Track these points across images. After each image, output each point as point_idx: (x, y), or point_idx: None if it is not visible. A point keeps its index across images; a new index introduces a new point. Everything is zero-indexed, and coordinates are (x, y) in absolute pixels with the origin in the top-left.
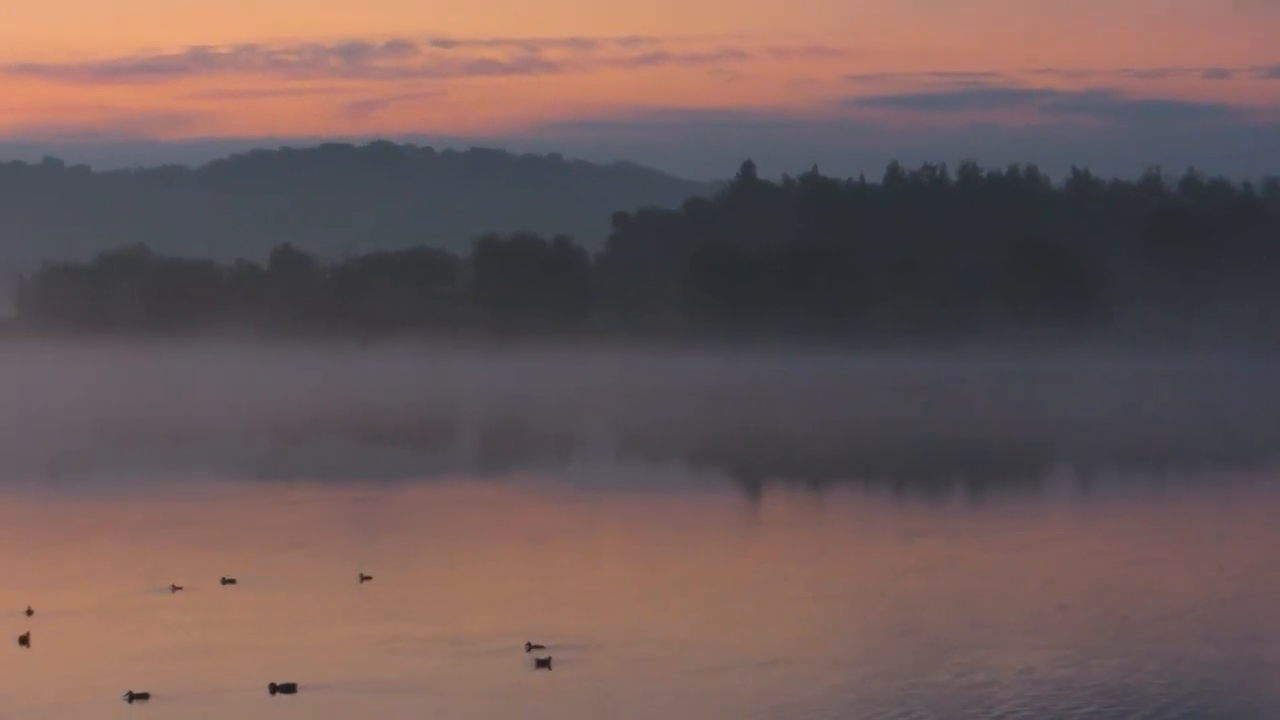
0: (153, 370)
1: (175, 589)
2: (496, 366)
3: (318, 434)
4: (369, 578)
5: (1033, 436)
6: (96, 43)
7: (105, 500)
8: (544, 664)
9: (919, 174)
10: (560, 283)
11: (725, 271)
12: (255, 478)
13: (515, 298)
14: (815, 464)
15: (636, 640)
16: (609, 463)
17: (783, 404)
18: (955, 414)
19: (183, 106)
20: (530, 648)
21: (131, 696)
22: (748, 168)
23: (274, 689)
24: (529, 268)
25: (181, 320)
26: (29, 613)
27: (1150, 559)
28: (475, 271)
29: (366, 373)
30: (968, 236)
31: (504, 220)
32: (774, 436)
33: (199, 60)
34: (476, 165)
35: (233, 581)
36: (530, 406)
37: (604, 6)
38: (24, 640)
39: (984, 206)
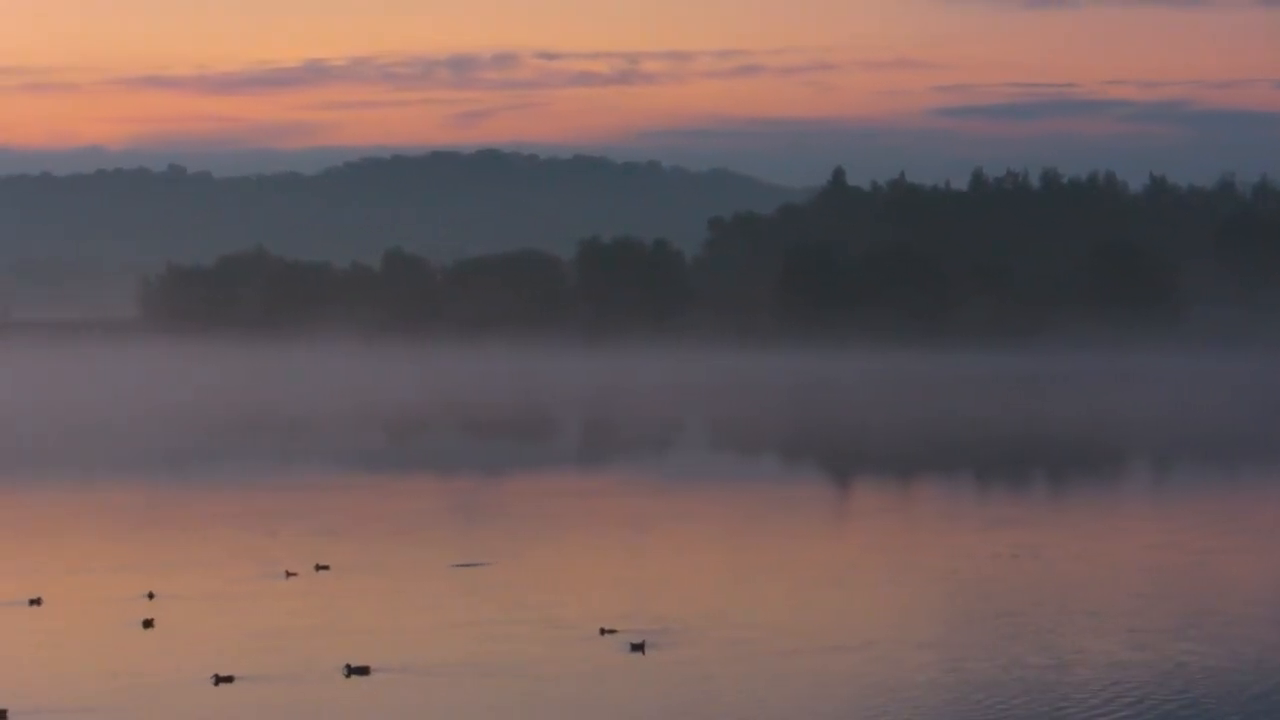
0: (270, 367)
1: (289, 575)
2: (596, 364)
3: (426, 428)
4: (471, 564)
5: (1110, 431)
6: (217, 56)
7: (224, 491)
8: (638, 648)
9: (1002, 180)
10: (658, 284)
11: (816, 274)
12: (366, 469)
13: (615, 298)
14: (902, 456)
15: (729, 625)
16: (703, 455)
17: (870, 400)
18: (1036, 409)
19: (299, 116)
20: (604, 632)
21: (218, 679)
22: (838, 174)
23: (349, 671)
24: (628, 270)
25: (298, 320)
26: (150, 596)
27: (1226, 547)
28: (577, 273)
29: (473, 370)
30: (1049, 240)
31: (605, 225)
32: (862, 430)
33: (315, 72)
34: (579, 172)
35: (326, 568)
36: (628, 402)
37: (701, 21)
38: (148, 624)
39: (1065, 211)
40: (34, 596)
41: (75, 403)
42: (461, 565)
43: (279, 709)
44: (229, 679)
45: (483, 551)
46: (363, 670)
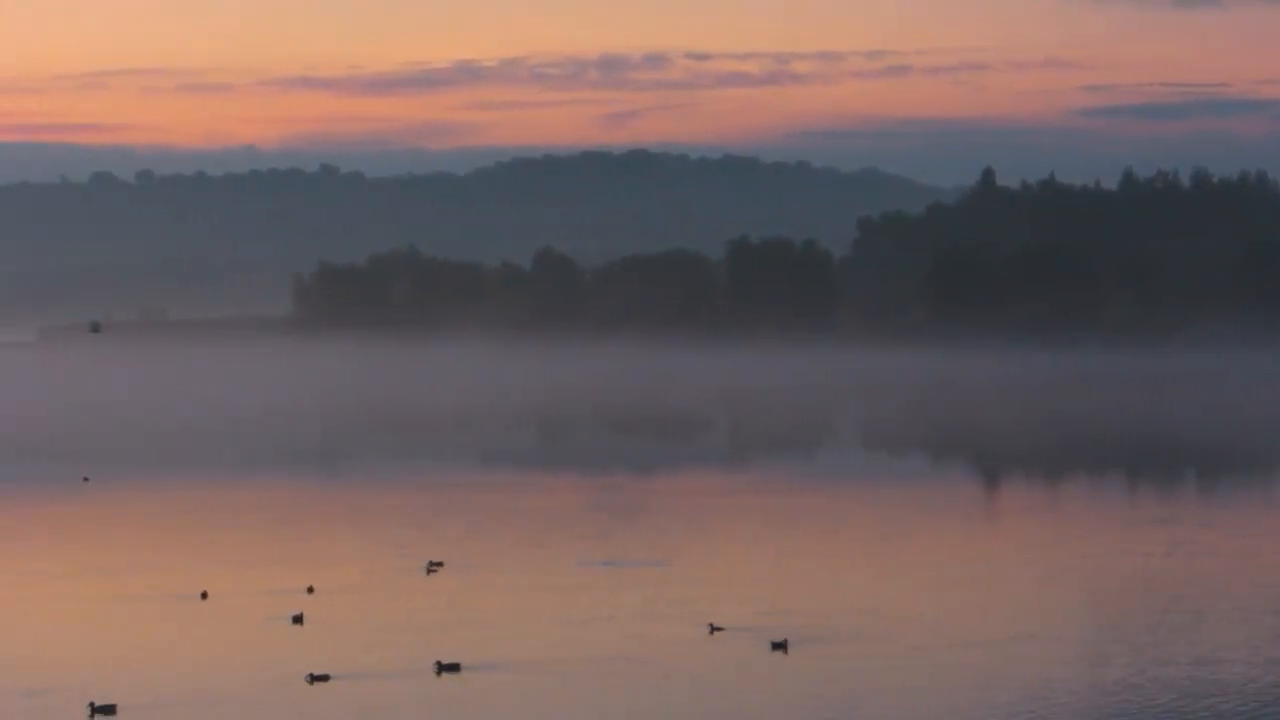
0: (420, 365)
1: (433, 568)
2: (743, 363)
3: (573, 426)
4: (611, 563)
5: (1257, 431)
6: (370, 57)
7: (378, 487)
8: (780, 646)
9: (1152, 180)
10: (806, 284)
11: (964, 273)
12: (513, 467)
13: (763, 298)
14: (1047, 455)
15: (873, 623)
16: (848, 454)
17: (1014, 399)
18: (1183, 408)
19: (450, 117)
20: (713, 630)
21: (313, 678)
22: (987, 174)
23: (440, 668)
24: (778, 269)
25: (448, 318)
26: (310, 590)
27: None
28: (726, 273)
29: (620, 368)
30: (1199, 240)
31: (755, 224)
32: (1006, 429)
33: (466, 73)
34: (729, 172)
35: (440, 564)
36: (774, 401)
37: (851, 21)
38: (298, 619)
39: (1215, 211)
40: (202, 590)
41: (231, 400)
42: (603, 563)
43: (366, 707)
44: (324, 678)
45: (623, 550)
46: (453, 667)
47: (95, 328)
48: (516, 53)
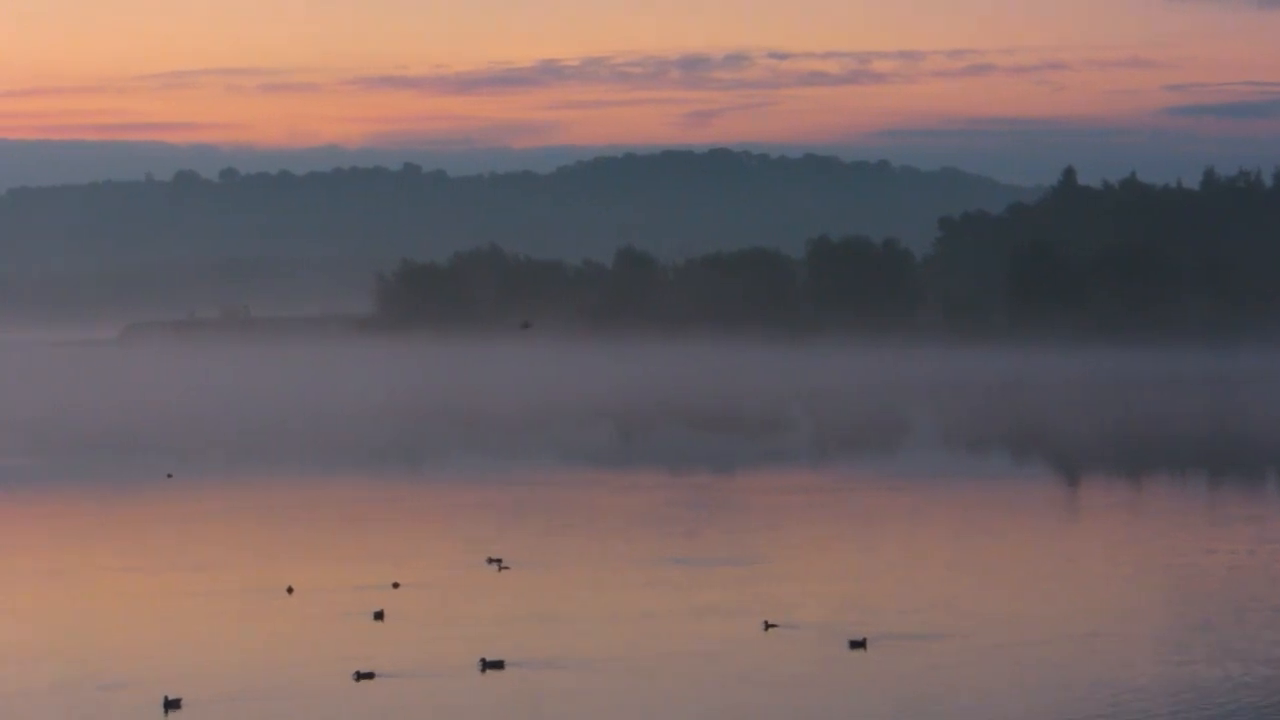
0: (502, 363)
1: (495, 564)
2: (825, 361)
3: (654, 424)
4: (685, 560)
5: None
6: (454, 56)
7: (459, 484)
8: (859, 645)
9: (1234, 179)
10: (888, 282)
11: (1046, 272)
12: (594, 465)
13: (845, 296)
14: (1129, 453)
15: (953, 621)
16: (930, 452)
17: (1097, 397)
18: (1264, 407)
19: (533, 116)
20: (768, 627)
21: (359, 675)
22: (1069, 174)
23: (484, 665)
24: (858, 268)
25: (530, 316)
26: (395, 586)
27: None
28: (807, 271)
29: (701, 366)
30: None
31: (835, 223)
32: (1088, 427)
33: (549, 73)
34: (809, 171)
35: (499, 561)
36: (856, 399)
37: (932, 21)
38: (379, 615)
39: None
40: (288, 585)
41: (313, 398)
42: (680, 561)
43: (409, 703)
44: (369, 675)
45: (700, 548)
46: (497, 665)
47: (525, 325)
48: (599, 52)
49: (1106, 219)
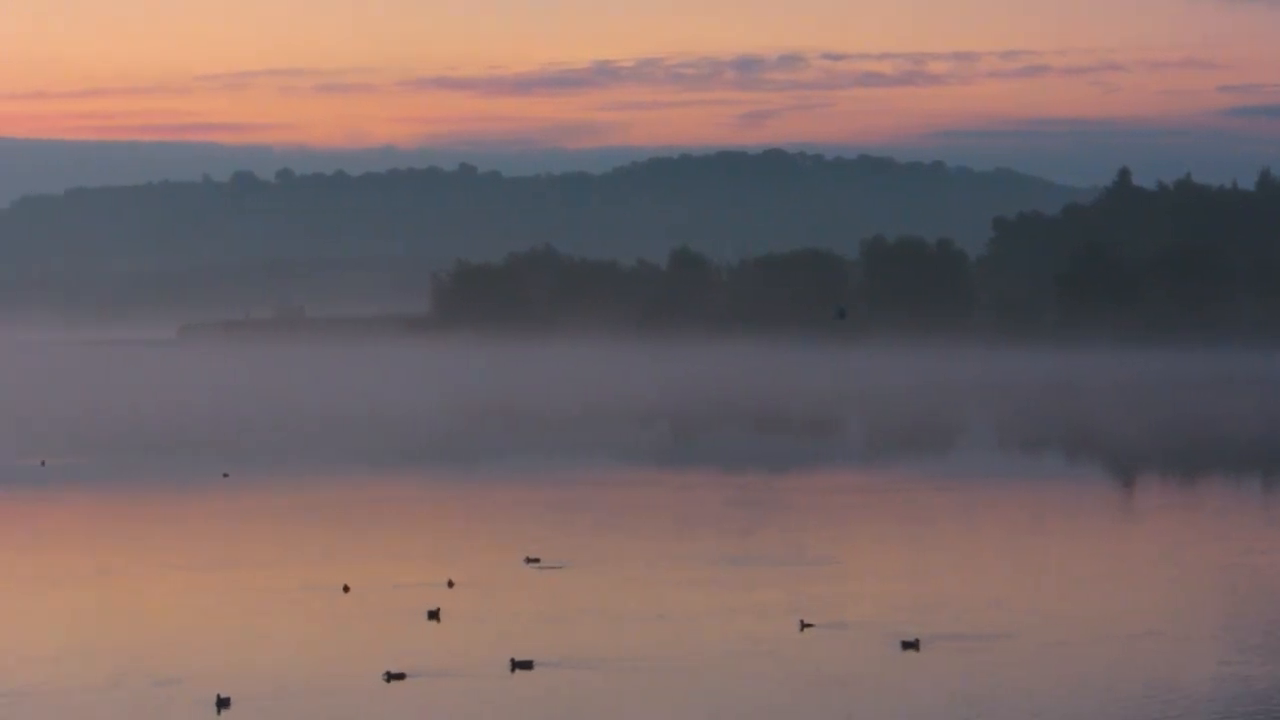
0: (557, 362)
1: (537, 564)
2: (880, 361)
3: (707, 423)
4: (739, 559)
5: None
6: (509, 58)
7: (515, 483)
8: (911, 645)
9: None
10: (942, 283)
11: (1100, 273)
12: (648, 464)
13: (900, 297)
14: (1183, 454)
15: (1008, 618)
16: (983, 453)
17: (1152, 398)
18: None
19: (588, 117)
20: (804, 626)
21: (389, 676)
22: (1123, 175)
23: (514, 666)
24: (913, 269)
25: (585, 316)
26: (450, 584)
27: None
28: (862, 272)
29: (755, 366)
30: None
31: (890, 224)
32: (1142, 428)
33: (603, 74)
34: (864, 172)
35: (536, 560)
36: (910, 399)
37: (987, 22)
38: (434, 615)
39: None
40: (344, 584)
41: (368, 397)
42: (732, 560)
43: (442, 703)
44: (400, 676)
45: (752, 547)
46: (526, 665)
47: (841, 313)
48: (654, 53)
49: (1161, 220)
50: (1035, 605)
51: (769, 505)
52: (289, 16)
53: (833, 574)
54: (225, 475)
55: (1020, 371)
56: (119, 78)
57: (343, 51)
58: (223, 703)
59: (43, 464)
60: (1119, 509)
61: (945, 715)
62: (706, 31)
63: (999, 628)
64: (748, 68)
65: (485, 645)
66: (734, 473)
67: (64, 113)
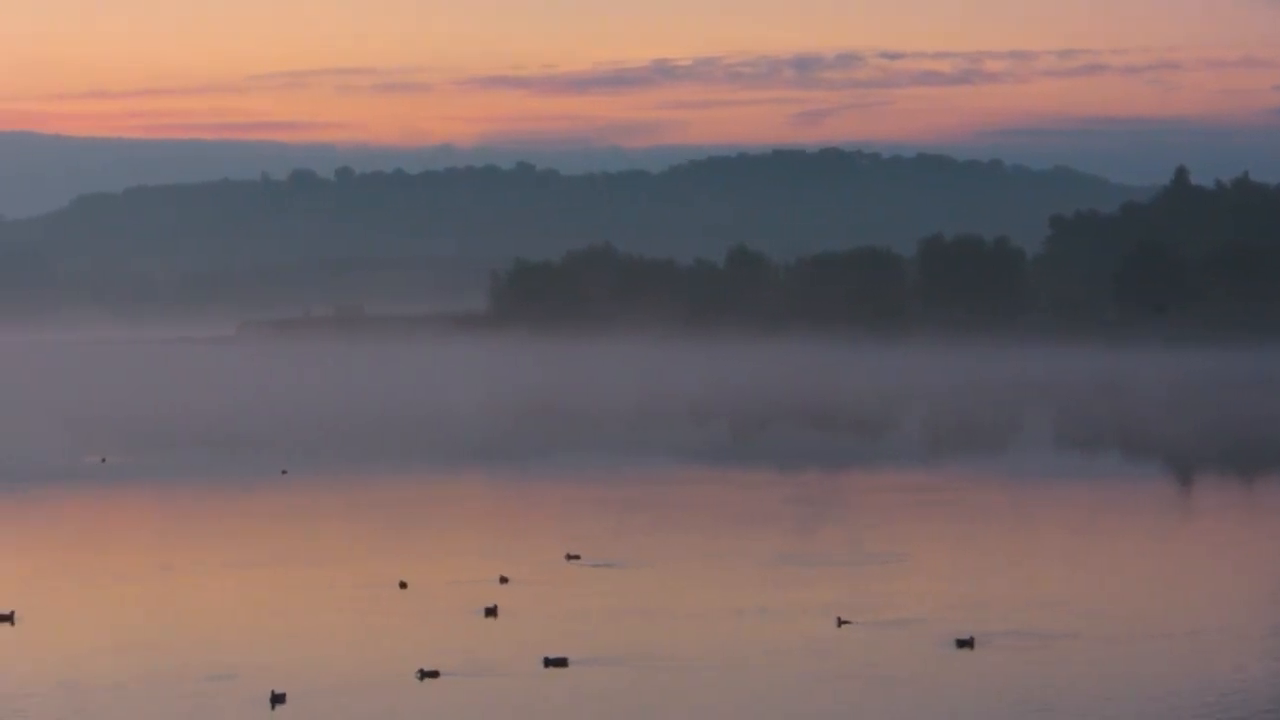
0: (615, 360)
1: (573, 558)
2: (938, 359)
3: (766, 422)
4: (790, 557)
5: None
6: (566, 56)
7: (571, 481)
8: (965, 644)
9: None
10: (999, 281)
11: (1157, 272)
12: (707, 461)
13: (957, 295)
14: (1239, 452)
15: (1064, 616)
16: (1040, 452)
17: (1209, 397)
18: None
19: (645, 115)
20: (840, 623)
21: (423, 674)
22: (1181, 173)
23: (547, 663)
24: (970, 267)
25: (643, 314)
26: (503, 580)
27: None
28: (919, 270)
29: (812, 364)
30: None
31: (947, 222)
32: (1199, 427)
33: (661, 72)
34: (921, 170)
35: (577, 557)
36: (968, 398)
37: (1043, 20)
38: (491, 611)
39: None
40: (401, 580)
41: (425, 395)
42: (787, 558)
43: (477, 700)
44: (434, 674)
45: (807, 545)
46: (560, 662)
47: None
48: (712, 52)
49: (1219, 219)
50: (1090, 604)
51: (826, 503)
52: (347, 16)
53: (888, 572)
54: (284, 472)
55: (1076, 370)
56: (178, 77)
57: (401, 51)
58: (277, 699)
59: (103, 461)
60: (1174, 508)
61: (999, 714)
62: (764, 30)
63: (1054, 626)
64: (805, 66)
65: (539, 642)
66: (791, 471)
67: (123, 112)
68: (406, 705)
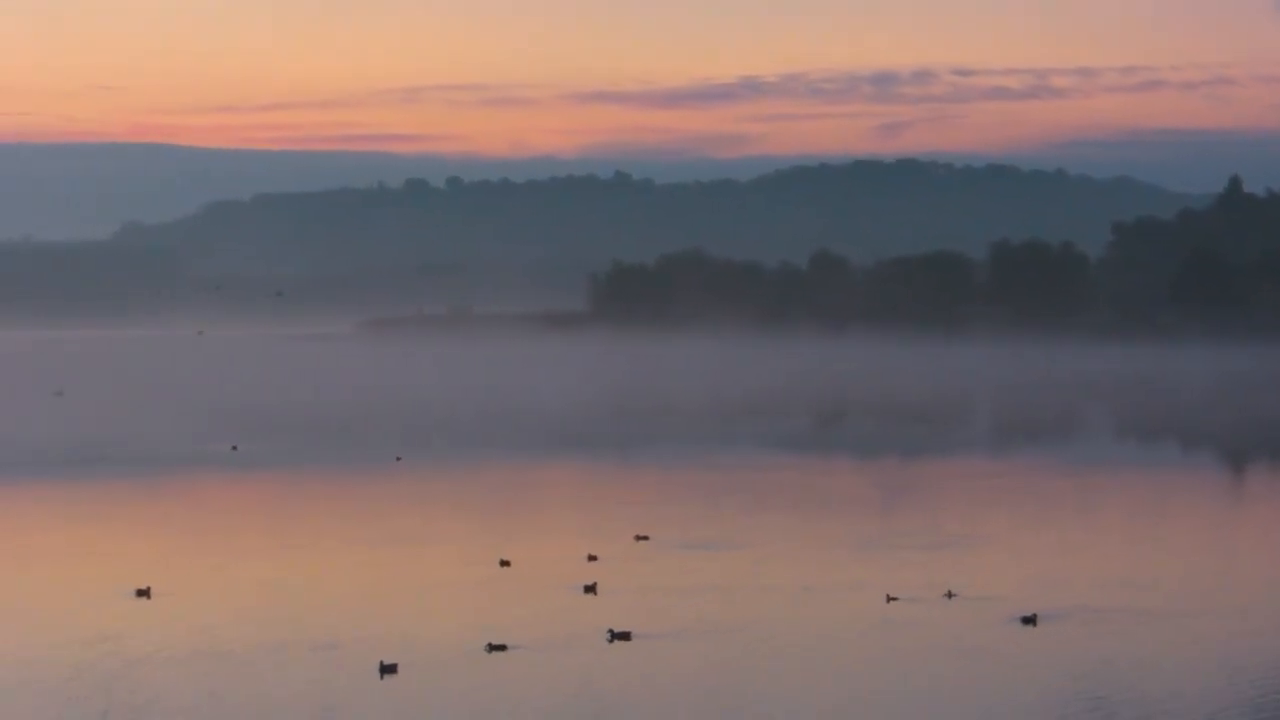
0: (706, 356)
1: (642, 539)
2: (1005, 356)
3: (844, 414)
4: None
5: None
6: (660, 73)
7: (665, 468)
8: (1030, 621)
9: None
10: (1064, 284)
11: (1212, 275)
12: (792, 450)
13: (1025, 297)
14: None
15: (1125, 597)
16: (1103, 441)
17: (1262, 392)
18: None
19: (734, 128)
20: (889, 599)
21: (491, 647)
22: (1234, 182)
23: (612, 636)
24: (1037, 270)
25: (731, 313)
26: (590, 559)
27: None
28: (989, 273)
29: (889, 360)
30: None
31: (1015, 228)
32: (1251, 419)
33: (749, 88)
34: (991, 180)
35: (646, 538)
36: (1034, 392)
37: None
38: (590, 589)
39: None
40: (502, 559)
41: (529, 388)
42: (868, 539)
43: (544, 673)
44: (502, 647)
45: (886, 526)
46: (625, 635)
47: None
48: (796, 69)
49: (1270, 225)
50: (1149, 583)
51: (898, 489)
52: (458, 37)
53: (958, 553)
54: (398, 459)
55: (1134, 366)
56: (301, 92)
57: (508, 67)
58: (388, 669)
59: (234, 449)
60: (1226, 494)
61: (1056, 684)
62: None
63: (1114, 604)
64: (883, 83)
65: (633, 617)
66: (866, 459)
67: (251, 125)
68: (513, 675)
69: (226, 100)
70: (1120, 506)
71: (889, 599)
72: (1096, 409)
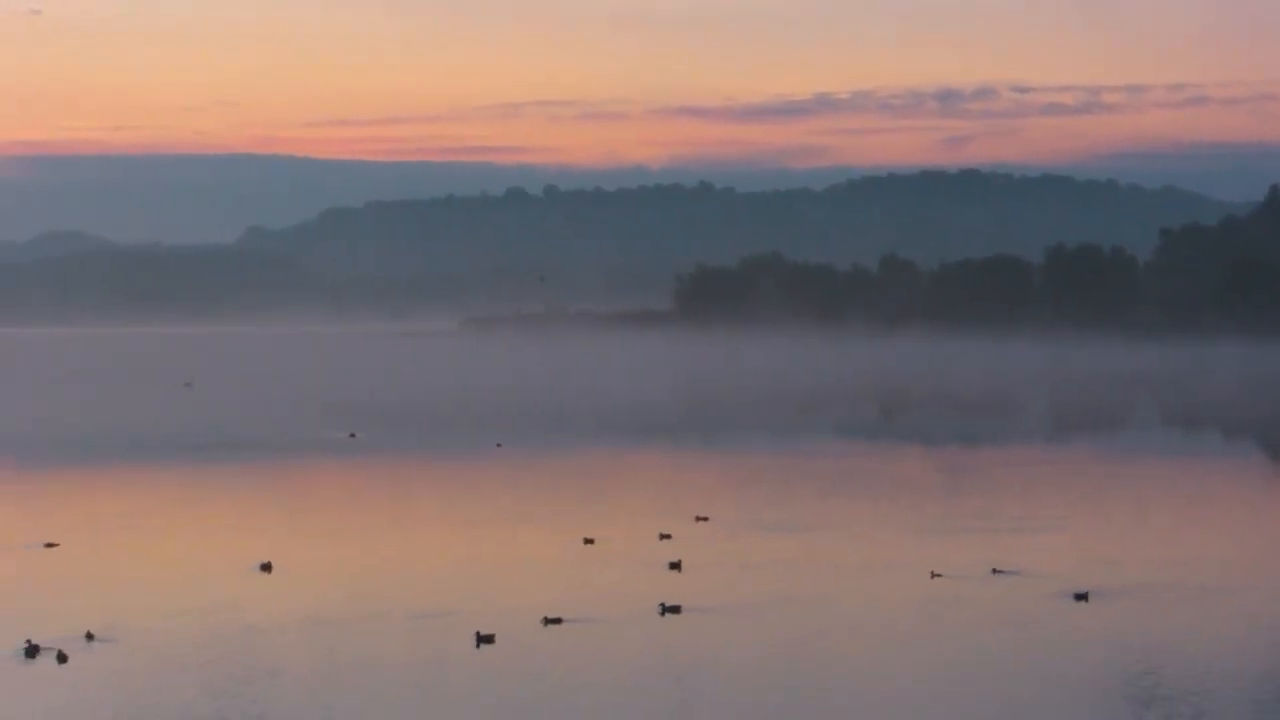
0: (782, 353)
1: (700, 520)
2: (1060, 352)
3: (909, 407)
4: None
5: None
6: (742, 90)
7: (743, 455)
8: (1082, 597)
9: None
10: (1115, 286)
11: (1254, 278)
12: (859, 439)
13: (1077, 296)
14: None
15: (1174, 575)
16: (1152, 431)
17: None
18: None
19: (809, 141)
20: (933, 576)
21: (546, 621)
22: (1274, 191)
23: (663, 610)
24: (1090, 272)
25: (806, 313)
26: (662, 537)
27: None
28: (1045, 276)
29: (952, 358)
30: None
31: (1069, 234)
32: None
33: (823, 104)
34: (1047, 189)
35: (706, 519)
36: (1087, 386)
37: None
38: (676, 566)
39: None
40: (586, 537)
41: (619, 381)
42: (928, 521)
43: (598, 644)
44: (557, 620)
45: (946, 510)
46: (675, 609)
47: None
48: (866, 86)
49: None
50: (1198, 563)
51: (959, 474)
52: (555, 56)
53: (1017, 534)
54: (498, 445)
55: (1180, 363)
56: (411, 108)
57: (601, 85)
58: (484, 639)
59: (352, 436)
60: (1271, 481)
61: (1105, 657)
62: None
63: (1164, 581)
64: (948, 99)
65: (721, 588)
66: (929, 447)
67: (364, 137)
68: (594, 646)
69: (342, 115)
70: (1168, 492)
71: (933, 575)
72: (1145, 401)
